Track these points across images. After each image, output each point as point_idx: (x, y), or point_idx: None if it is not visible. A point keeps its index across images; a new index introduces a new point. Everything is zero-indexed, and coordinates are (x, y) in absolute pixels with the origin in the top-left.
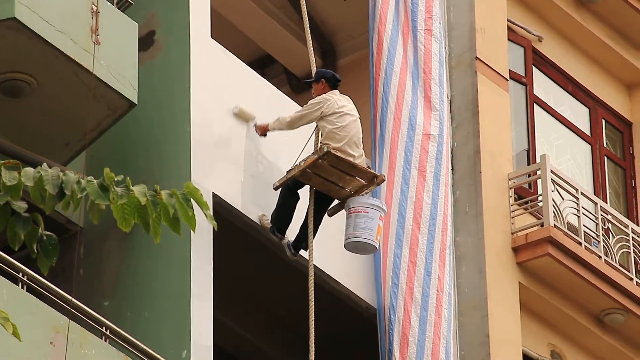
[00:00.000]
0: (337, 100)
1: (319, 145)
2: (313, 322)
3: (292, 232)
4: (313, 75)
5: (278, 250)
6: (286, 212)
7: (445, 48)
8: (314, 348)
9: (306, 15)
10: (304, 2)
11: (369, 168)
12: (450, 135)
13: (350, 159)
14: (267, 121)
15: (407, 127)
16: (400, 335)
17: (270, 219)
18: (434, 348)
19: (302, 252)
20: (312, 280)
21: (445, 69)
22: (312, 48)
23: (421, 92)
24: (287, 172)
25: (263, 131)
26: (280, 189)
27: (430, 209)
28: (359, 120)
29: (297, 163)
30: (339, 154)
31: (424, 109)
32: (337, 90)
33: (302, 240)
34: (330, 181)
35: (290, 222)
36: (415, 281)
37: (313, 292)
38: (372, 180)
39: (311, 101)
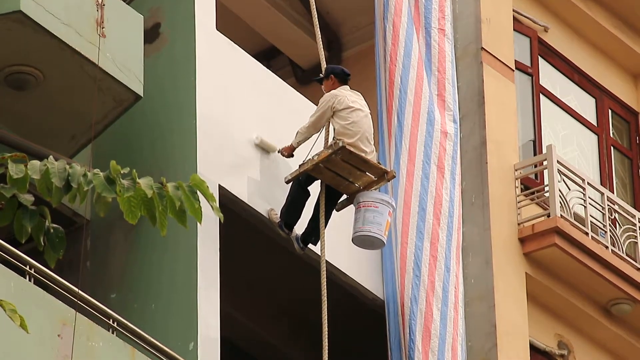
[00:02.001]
0: (348, 96)
1: (334, 140)
2: (326, 318)
3: (300, 228)
4: (323, 71)
5: (285, 242)
6: (296, 208)
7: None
8: (327, 345)
9: (315, 10)
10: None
11: (380, 164)
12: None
13: (362, 154)
14: (289, 141)
15: (426, 122)
16: (423, 327)
17: (279, 213)
18: (454, 344)
19: (310, 246)
20: (325, 276)
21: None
22: (321, 43)
23: (434, 90)
24: (300, 166)
25: (289, 151)
26: (290, 183)
27: (449, 207)
28: (370, 116)
29: (309, 157)
30: (352, 149)
31: (439, 107)
32: (347, 86)
33: (311, 235)
34: (340, 176)
35: (299, 218)
36: (436, 275)
37: (326, 287)
38: (383, 176)
39: (322, 100)
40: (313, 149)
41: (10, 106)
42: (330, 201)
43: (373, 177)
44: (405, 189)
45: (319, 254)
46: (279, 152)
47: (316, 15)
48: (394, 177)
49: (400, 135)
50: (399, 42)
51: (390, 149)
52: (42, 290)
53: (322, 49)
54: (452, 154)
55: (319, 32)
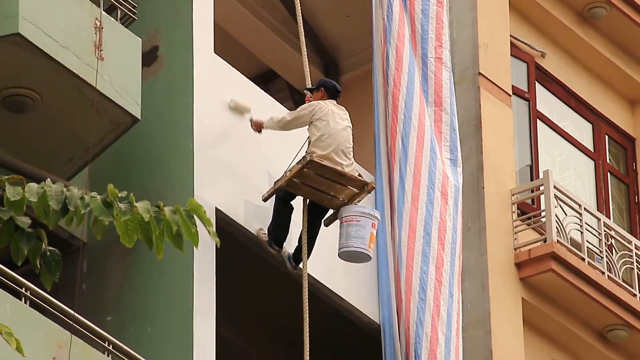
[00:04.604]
0: (330, 107)
1: (304, 153)
2: (307, 333)
3: (290, 246)
4: (310, 84)
5: (281, 265)
6: (282, 224)
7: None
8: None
9: (301, 25)
10: (300, 14)
11: (360, 176)
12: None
13: (338, 167)
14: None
15: (430, 148)
16: (429, 351)
17: (267, 232)
18: None
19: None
20: (307, 290)
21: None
22: (306, 59)
23: (432, 121)
24: (275, 182)
25: (258, 127)
26: (275, 201)
27: (452, 234)
28: (350, 130)
29: (284, 173)
30: (324, 162)
31: (436, 138)
32: (335, 101)
33: (301, 252)
34: (320, 190)
35: (287, 233)
36: (441, 299)
37: (307, 302)
38: (363, 188)
39: (304, 105)
40: (292, 163)
41: (7, 128)
42: (317, 217)
43: (354, 189)
44: (410, 212)
45: (317, 278)
46: (250, 120)
47: (302, 30)
48: (374, 188)
49: (405, 159)
50: (403, 67)
51: (394, 173)
52: (38, 313)
53: (307, 64)
54: (455, 182)
55: (304, 47)
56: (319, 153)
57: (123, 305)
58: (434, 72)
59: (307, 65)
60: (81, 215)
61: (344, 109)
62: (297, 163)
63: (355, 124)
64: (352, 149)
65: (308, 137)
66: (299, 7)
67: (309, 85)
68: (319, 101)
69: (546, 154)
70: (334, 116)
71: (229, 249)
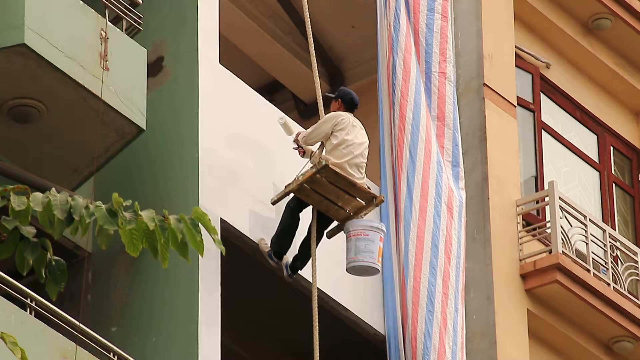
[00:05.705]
0: (350, 120)
1: (319, 159)
2: (317, 342)
3: (290, 254)
4: (321, 97)
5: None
6: (286, 236)
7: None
8: None
9: (311, 39)
10: (309, 27)
11: (369, 188)
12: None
13: (350, 177)
14: (291, 176)
15: (436, 161)
16: None
17: (269, 243)
18: None
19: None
20: (316, 302)
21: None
22: (317, 71)
23: (434, 134)
24: (285, 186)
25: (296, 137)
26: (284, 211)
27: (457, 248)
28: (367, 146)
29: (296, 177)
30: (337, 170)
31: (440, 152)
32: (352, 114)
33: (298, 259)
34: (328, 200)
35: (289, 246)
36: (447, 313)
37: (317, 314)
38: (371, 201)
39: (326, 116)
40: (303, 169)
41: (13, 138)
42: (320, 228)
43: (362, 202)
44: (418, 224)
45: (322, 289)
46: (294, 140)
47: (312, 43)
48: (383, 201)
49: (413, 170)
50: (410, 78)
51: (401, 183)
52: (43, 323)
53: (317, 76)
54: (458, 196)
55: (315, 60)
56: (333, 161)
57: (128, 316)
58: (437, 86)
59: (317, 78)
60: (86, 224)
61: (361, 124)
62: (311, 167)
63: None
64: (365, 165)
65: (320, 146)
66: (309, 23)
67: (320, 100)
68: (340, 112)
69: (551, 165)
70: (354, 129)
71: (234, 260)
